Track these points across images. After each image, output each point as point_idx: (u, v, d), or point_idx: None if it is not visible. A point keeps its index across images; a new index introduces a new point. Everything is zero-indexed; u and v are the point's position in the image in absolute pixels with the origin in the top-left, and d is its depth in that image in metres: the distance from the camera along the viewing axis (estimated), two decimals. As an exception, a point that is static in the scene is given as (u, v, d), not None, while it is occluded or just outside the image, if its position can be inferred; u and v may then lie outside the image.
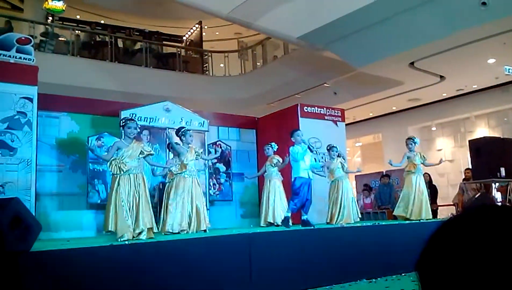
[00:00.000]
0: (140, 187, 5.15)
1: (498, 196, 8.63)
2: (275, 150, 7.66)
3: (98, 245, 4.26)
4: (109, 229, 4.95)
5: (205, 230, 6.11)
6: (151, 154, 5.47)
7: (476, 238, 0.66)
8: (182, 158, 6.20)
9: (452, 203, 10.72)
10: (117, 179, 5.05)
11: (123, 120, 5.54)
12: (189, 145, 6.37)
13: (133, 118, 5.64)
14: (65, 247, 4.08)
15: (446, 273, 0.67)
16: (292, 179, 6.47)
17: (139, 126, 5.58)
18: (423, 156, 7.61)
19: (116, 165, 5.08)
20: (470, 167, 9.41)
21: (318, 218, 7.29)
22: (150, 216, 5.16)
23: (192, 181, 6.21)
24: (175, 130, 6.73)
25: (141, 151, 5.26)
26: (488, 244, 0.64)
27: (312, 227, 6.02)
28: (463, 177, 10.70)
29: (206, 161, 7.53)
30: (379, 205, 10.48)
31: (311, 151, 6.79)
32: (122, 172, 5.06)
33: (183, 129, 6.49)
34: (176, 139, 6.53)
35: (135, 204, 5.07)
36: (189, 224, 6.06)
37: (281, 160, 7.43)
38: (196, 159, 6.41)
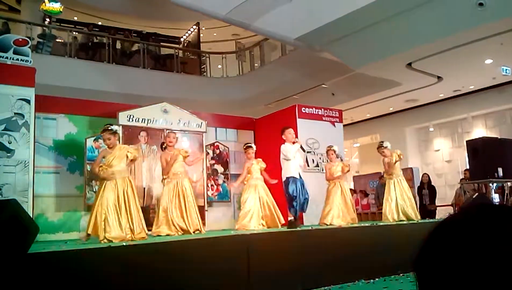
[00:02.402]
0: (129, 191, 5.20)
1: (495, 196, 8.65)
2: None
3: (96, 247, 4.25)
4: (89, 232, 5.02)
5: (196, 231, 6.08)
6: (135, 159, 5.50)
7: (472, 237, 0.66)
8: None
9: (450, 204, 10.75)
10: (104, 184, 5.12)
11: (101, 131, 5.52)
12: (171, 146, 6.27)
13: (109, 127, 5.45)
14: (62, 248, 4.08)
15: (443, 273, 0.67)
16: (284, 179, 6.35)
17: (117, 132, 5.52)
18: (398, 155, 7.24)
19: (102, 170, 5.17)
20: (468, 167, 9.43)
21: (312, 219, 7.26)
22: (140, 218, 5.25)
23: (177, 184, 6.14)
24: None
25: (126, 155, 5.31)
26: (484, 243, 0.64)
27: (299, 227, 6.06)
28: (461, 177, 10.73)
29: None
30: (378, 205, 10.51)
31: (304, 151, 6.75)
32: (108, 177, 5.12)
33: (167, 132, 6.44)
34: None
35: (126, 208, 5.11)
36: (177, 228, 6.00)
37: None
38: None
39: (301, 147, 6.55)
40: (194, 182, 7.10)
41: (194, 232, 6.06)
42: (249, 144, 7.35)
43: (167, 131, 6.50)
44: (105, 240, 4.87)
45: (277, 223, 6.89)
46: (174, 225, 6.02)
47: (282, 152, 6.36)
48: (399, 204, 7.06)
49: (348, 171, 7.71)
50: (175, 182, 6.17)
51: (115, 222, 5.00)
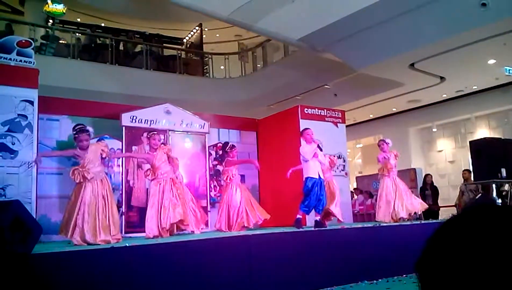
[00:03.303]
0: (107, 192, 5.11)
1: (497, 197, 8.62)
2: None
3: (98, 247, 4.26)
4: (69, 235, 4.83)
5: (192, 231, 6.07)
6: (107, 156, 5.43)
7: (475, 238, 0.66)
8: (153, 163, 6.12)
9: (453, 204, 10.71)
10: (83, 187, 4.98)
11: (74, 132, 5.30)
12: (156, 148, 6.13)
13: (83, 127, 5.28)
14: (66, 249, 4.09)
15: (446, 273, 0.67)
16: (304, 180, 6.43)
17: (91, 133, 5.38)
18: (395, 155, 7.41)
19: (79, 173, 5.02)
20: (471, 168, 9.39)
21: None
22: (118, 219, 5.22)
23: (165, 185, 6.02)
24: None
25: (101, 153, 5.22)
26: (487, 244, 0.64)
27: (325, 228, 6.05)
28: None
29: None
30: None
31: (321, 150, 6.77)
32: (86, 180, 5.00)
33: (150, 133, 6.32)
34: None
35: (108, 208, 5.05)
36: (166, 229, 5.91)
37: None
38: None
39: (318, 146, 6.57)
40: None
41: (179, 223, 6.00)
42: (233, 144, 7.20)
43: (151, 133, 6.31)
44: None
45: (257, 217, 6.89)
46: (165, 225, 5.93)
47: (300, 154, 6.42)
48: (391, 203, 7.09)
49: (334, 165, 7.71)
50: (164, 182, 6.03)
51: (98, 225, 4.89)
